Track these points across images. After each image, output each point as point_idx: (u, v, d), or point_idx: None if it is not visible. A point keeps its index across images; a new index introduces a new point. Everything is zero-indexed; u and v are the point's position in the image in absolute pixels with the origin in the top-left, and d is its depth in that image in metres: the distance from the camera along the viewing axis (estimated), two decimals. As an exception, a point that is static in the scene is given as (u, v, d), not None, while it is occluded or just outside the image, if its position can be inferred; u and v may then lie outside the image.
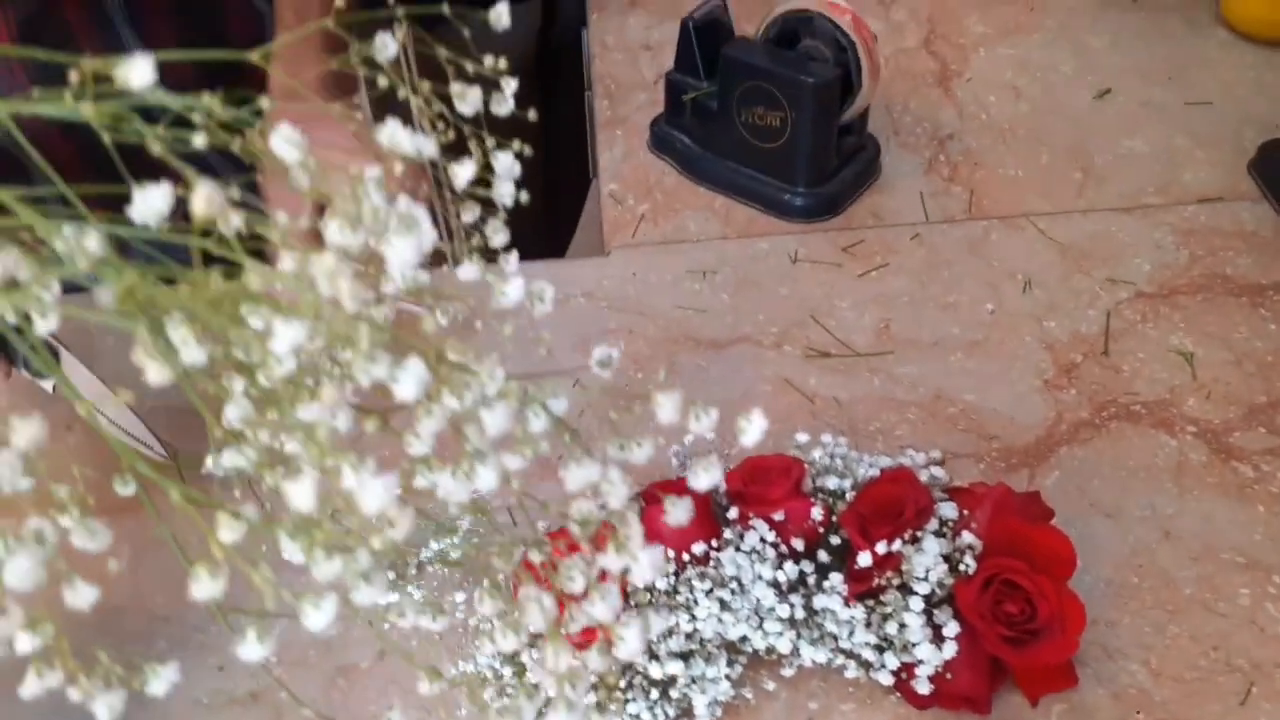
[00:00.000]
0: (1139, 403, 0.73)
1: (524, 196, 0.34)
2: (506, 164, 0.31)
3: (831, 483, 0.61)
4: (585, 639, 0.28)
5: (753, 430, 0.28)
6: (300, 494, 0.22)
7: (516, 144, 0.33)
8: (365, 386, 0.22)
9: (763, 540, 0.58)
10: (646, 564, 0.26)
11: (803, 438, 0.65)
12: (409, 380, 0.22)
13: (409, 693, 0.60)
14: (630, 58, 1.05)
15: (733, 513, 0.60)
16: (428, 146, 0.25)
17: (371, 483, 0.21)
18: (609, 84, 1.03)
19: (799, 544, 0.59)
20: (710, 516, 0.60)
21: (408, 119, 0.27)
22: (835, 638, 0.57)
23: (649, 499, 0.62)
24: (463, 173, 0.30)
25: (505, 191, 0.31)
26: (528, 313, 0.33)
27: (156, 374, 0.22)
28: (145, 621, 0.65)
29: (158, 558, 0.68)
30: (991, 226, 0.88)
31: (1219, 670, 0.59)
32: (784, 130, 0.86)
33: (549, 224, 1.23)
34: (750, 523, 0.59)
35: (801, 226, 0.89)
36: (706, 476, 0.28)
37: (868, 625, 0.57)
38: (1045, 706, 0.58)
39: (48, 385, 0.71)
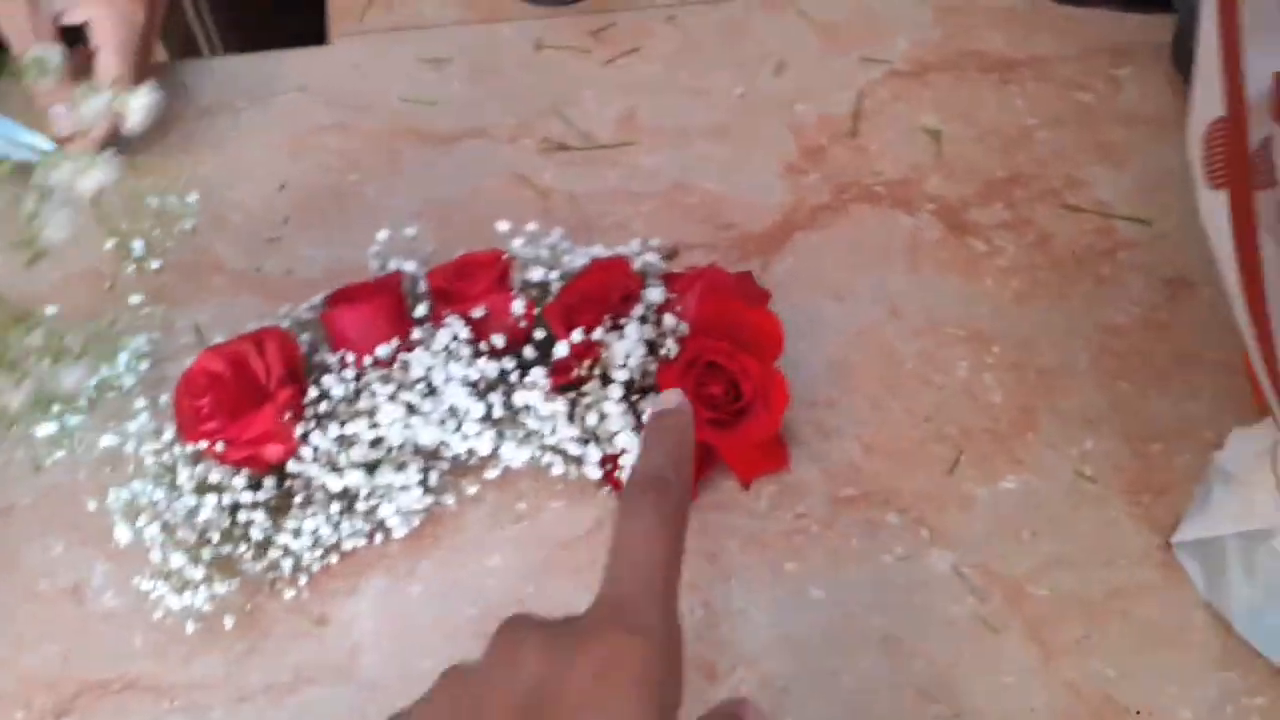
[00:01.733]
0: (881, 183, 0.70)
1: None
2: None
3: (538, 275, 0.56)
4: None
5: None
6: None
7: None
8: None
9: (456, 338, 0.54)
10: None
11: (503, 226, 0.59)
12: None
13: (73, 529, 0.54)
14: None
15: (420, 310, 0.55)
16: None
17: None
18: None
19: (499, 341, 0.55)
20: (401, 317, 0.55)
21: None
22: (539, 435, 0.54)
23: (336, 301, 0.57)
24: None
25: None
26: None
27: None
28: None
29: None
30: (752, 6, 0.82)
31: (930, 439, 0.58)
32: (517, -103, 0.76)
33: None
34: (444, 321, 0.54)
35: (548, 10, 0.81)
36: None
37: (570, 419, 0.53)
38: (758, 489, 0.56)
39: None
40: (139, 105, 0.54)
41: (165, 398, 0.55)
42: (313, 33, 0.81)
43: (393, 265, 0.59)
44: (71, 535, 0.54)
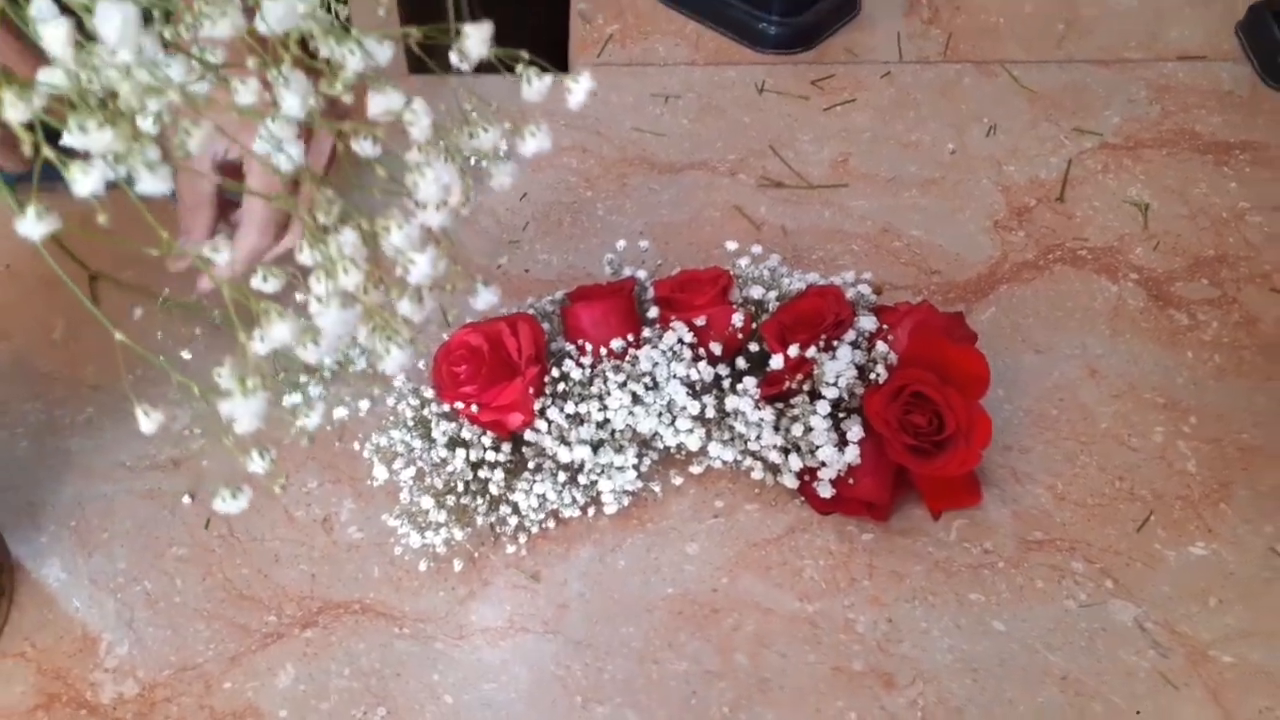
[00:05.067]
0: (1086, 248, 0.73)
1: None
2: None
3: (757, 293, 0.61)
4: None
5: (579, 90, 0.28)
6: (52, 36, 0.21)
7: None
8: None
9: (680, 341, 0.59)
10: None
11: (732, 245, 0.64)
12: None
13: (328, 467, 0.61)
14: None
15: (653, 312, 0.60)
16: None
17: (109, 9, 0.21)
18: (590, -98, 0.99)
19: (717, 349, 0.59)
20: (633, 317, 0.60)
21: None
22: (744, 439, 0.58)
23: (575, 298, 0.62)
24: None
25: None
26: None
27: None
28: (74, 389, 0.66)
29: (94, 332, 0.68)
30: (965, 70, 0.85)
31: (1122, 499, 0.60)
32: (760, -48, 0.83)
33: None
34: (670, 324, 0.59)
35: (773, 58, 0.86)
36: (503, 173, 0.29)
37: (775, 428, 0.57)
38: (946, 521, 0.59)
39: None
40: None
41: (422, 364, 0.62)
42: (556, 63, 0.89)
43: (626, 272, 0.64)
44: (326, 473, 0.61)
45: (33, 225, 0.24)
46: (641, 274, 0.64)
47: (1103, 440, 0.62)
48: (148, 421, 0.29)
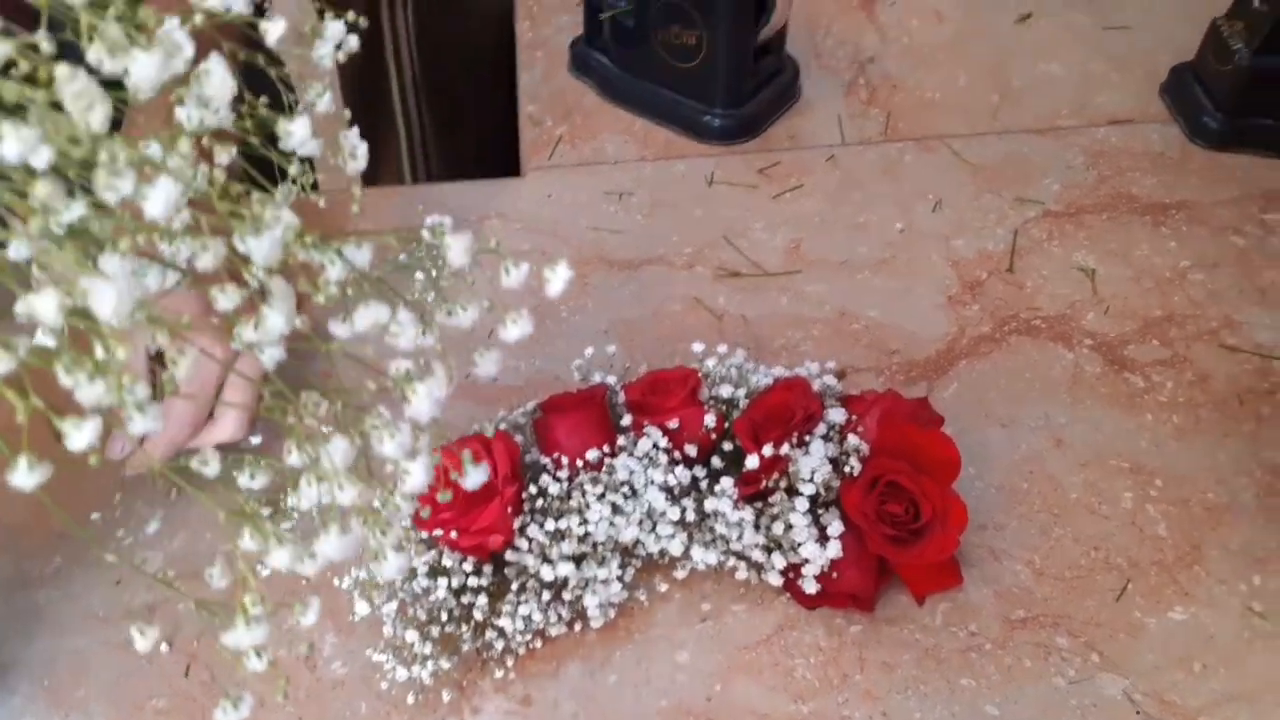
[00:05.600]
0: (1040, 317, 0.74)
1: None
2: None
3: (726, 391, 0.62)
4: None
5: (556, 280, 0.28)
6: (44, 307, 0.22)
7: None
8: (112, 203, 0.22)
9: (655, 446, 0.59)
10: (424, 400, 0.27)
11: (698, 347, 0.65)
12: (157, 198, 0.21)
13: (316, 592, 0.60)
14: (552, -21, 1.03)
15: (626, 420, 0.61)
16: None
17: (103, 288, 0.21)
18: (531, 4, 1.02)
19: (692, 450, 0.60)
20: (606, 426, 0.61)
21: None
22: (726, 540, 0.58)
23: (548, 409, 0.63)
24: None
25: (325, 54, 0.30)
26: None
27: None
28: (44, 539, 0.64)
29: (61, 479, 0.67)
30: (906, 148, 0.88)
31: (1098, 569, 0.61)
32: (700, 48, 0.85)
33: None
34: (644, 430, 0.60)
35: (719, 149, 0.88)
36: (488, 361, 0.29)
37: (756, 527, 0.58)
38: (931, 605, 0.59)
39: None
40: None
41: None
42: (509, 166, 0.90)
43: (596, 378, 0.65)
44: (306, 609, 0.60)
45: (25, 476, 0.24)
46: (611, 379, 0.65)
47: (1074, 510, 0.63)
48: (143, 641, 0.29)
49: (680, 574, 0.60)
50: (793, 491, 0.57)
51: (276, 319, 0.25)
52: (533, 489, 0.57)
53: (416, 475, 0.28)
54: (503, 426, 0.61)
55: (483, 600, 0.55)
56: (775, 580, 0.58)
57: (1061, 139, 0.88)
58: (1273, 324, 0.72)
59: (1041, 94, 0.92)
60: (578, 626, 0.58)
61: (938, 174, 0.86)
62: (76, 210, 0.21)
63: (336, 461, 0.27)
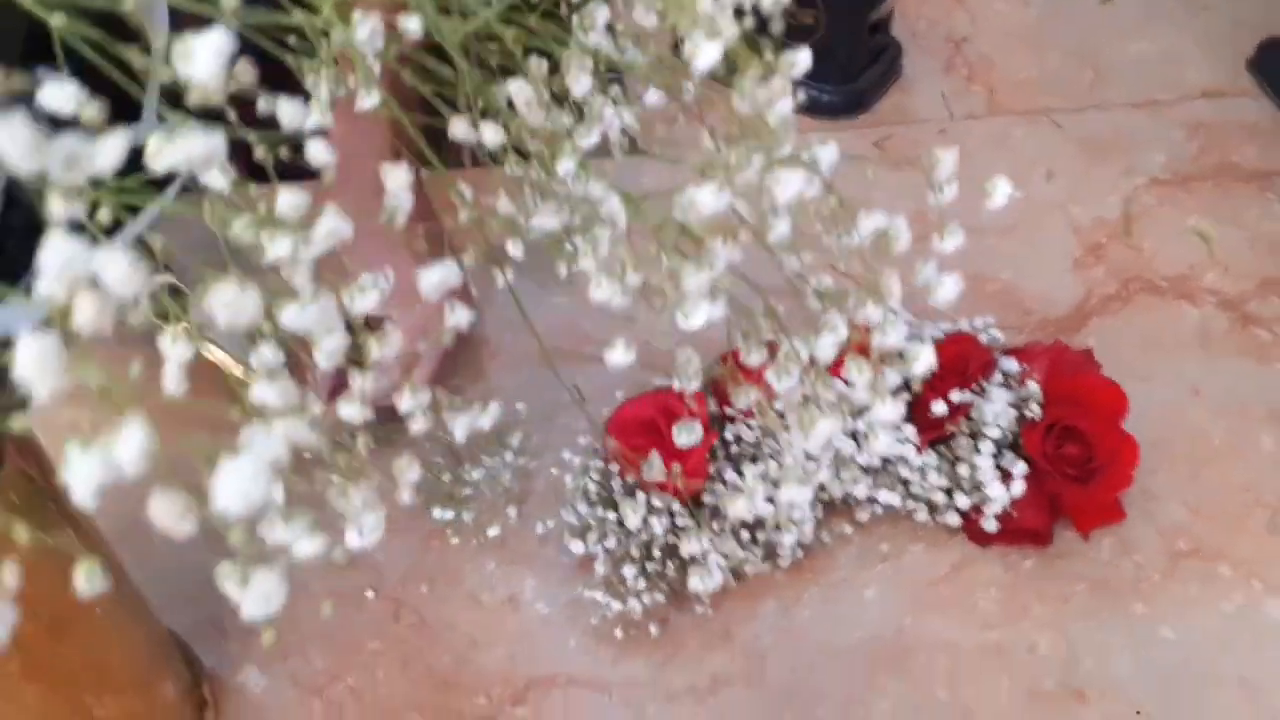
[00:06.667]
0: (1162, 278, 0.78)
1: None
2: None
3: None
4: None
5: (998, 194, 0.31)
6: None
7: None
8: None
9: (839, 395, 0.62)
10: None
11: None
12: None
13: (501, 547, 0.63)
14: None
15: (809, 370, 0.63)
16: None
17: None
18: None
19: (870, 399, 0.63)
20: (785, 376, 0.64)
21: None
22: (907, 484, 0.61)
23: (725, 362, 0.65)
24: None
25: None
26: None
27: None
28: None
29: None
30: (1012, 122, 0.91)
31: (1250, 506, 0.64)
32: (816, 28, 0.88)
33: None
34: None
35: (831, 124, 0.91)
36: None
37: (939, 470, 0.61)
38: (1096, 540, 0.63)
39: None
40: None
41: (580, 435, 0.64)
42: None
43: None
44: (501, 554, 0.63)
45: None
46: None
47: (1219, 455, 0.67)
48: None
49: (863, 516, 0.63)
50: (975, 435, 0.61)
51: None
52: (729, 435, 0.60)
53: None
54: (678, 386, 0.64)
55: (688, 538, 0.58)
56: (953, 521, 0.61)
57: (1158, 113, 0.92)
58: (1385, 281, 0.76)
59: (1132, 70, 0.96)
60: (768, 566, 0.61)
61: (1046, 146, 0.89)
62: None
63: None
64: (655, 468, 0.41)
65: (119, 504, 0.69)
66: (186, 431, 0.22)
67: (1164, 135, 0.89)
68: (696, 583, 0.57)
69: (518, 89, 0.30)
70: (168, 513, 0.20)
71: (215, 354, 0.65)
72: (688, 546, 0.57)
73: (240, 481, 0.20)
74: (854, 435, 0.61)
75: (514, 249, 0.32)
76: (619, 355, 0.32)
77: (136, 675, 0.52)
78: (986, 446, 0.60)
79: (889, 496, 0.61)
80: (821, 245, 0.33)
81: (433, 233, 0.68)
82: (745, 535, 0.59)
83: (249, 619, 0.23)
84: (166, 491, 0.20)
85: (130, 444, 0.19)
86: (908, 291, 0.35)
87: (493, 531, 0.62)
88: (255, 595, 0.22)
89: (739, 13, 0.26)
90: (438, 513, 0.63)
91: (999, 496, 0.59)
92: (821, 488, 0.61)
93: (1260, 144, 0.88)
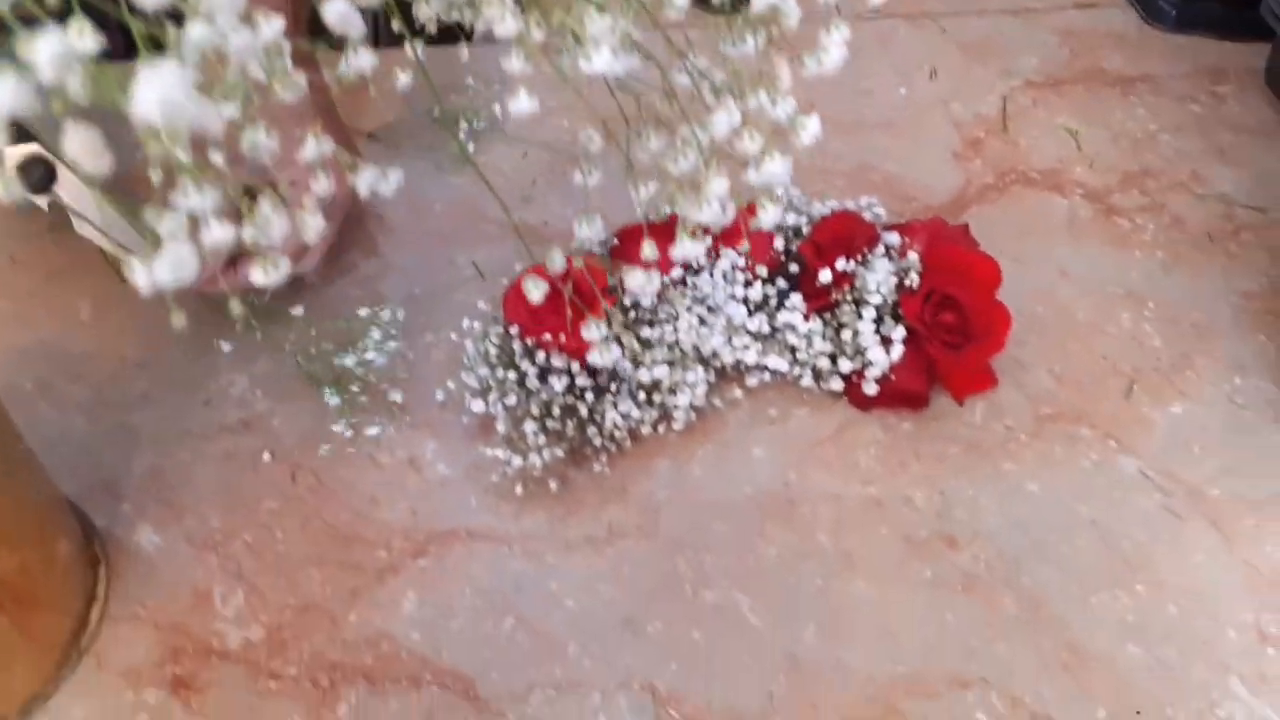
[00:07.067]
0: (1035, 171, 0.82)
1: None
2: None
3: (790, 219, 0.67)
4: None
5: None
6: None
7: None
8: None
9: (732, 266, 0.64)
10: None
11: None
12: None
13: (402, 411, 0.64)
14: None
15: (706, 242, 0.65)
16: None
17: None
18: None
19: (763, 271, 0.65)
20: (681, 247, 0.65)
21: None
22: (794, 350, 0.64)
23: (623, 237, 0.67)
24: None
25: None
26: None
27: None
28: (119, 366, 0.65)
29: (121, 311, 0.68)
30: (897, 24, 0.94)
31: (1108, 374, 0.69)
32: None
33: None
34: (720, 252, 0.65)
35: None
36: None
37: (824, 336, 0.64)
38: (970, 405, 0.67)
39: (42, 202, 0.66)
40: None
41: (477, 301, 0.65)
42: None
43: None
44: (401, 420, 0.63)
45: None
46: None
47: (1083, 329, 0.72)
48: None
49: (752, 382, 0.65)
50: (859, 303, 0.63)
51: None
52: (627, 301, 0.62)
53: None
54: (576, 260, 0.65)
55: (589, 398, 0.59)
56: (836, 386, 0.64)
57: (1034, 20, 0.96)
58: (1232, 177, 0.82)
59: (1013, -20, 1.00)
60: (661, 429, 0.63)
61: (928, 48, 0.92)
62: None
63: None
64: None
65: (10, 374, 0.67)
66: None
67: (1039, 40, 0.94)
68: (591, 441, 0.59)
69: None
70: (83, 149, 0.20)
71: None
72: (583, 408, 0.59)
73: (160, 88, 0.20)
74: (745, 302, 0.64)
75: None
76: (523, 103, 0.33)
77: (29, 532, 0.51)
78: (869, 313, 0.63)
79: (777, 362, 0.64)
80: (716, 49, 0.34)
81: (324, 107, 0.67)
82: (641, 397, 0.61)
83: (155, 285, 0.23)
84: (82, 127, 0.20)
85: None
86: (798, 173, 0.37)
87: (372, 431, 0.63)
88: (166, 261, 0.22)
89: None
90: (328, 395, 0.63)
91: (879, 361, 0.63)
92: (714, 355, 0.63)
93: (1126, 52, 0.93)
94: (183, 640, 0.54)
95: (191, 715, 0.51)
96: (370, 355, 0.65)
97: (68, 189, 0.64)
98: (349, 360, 0.64)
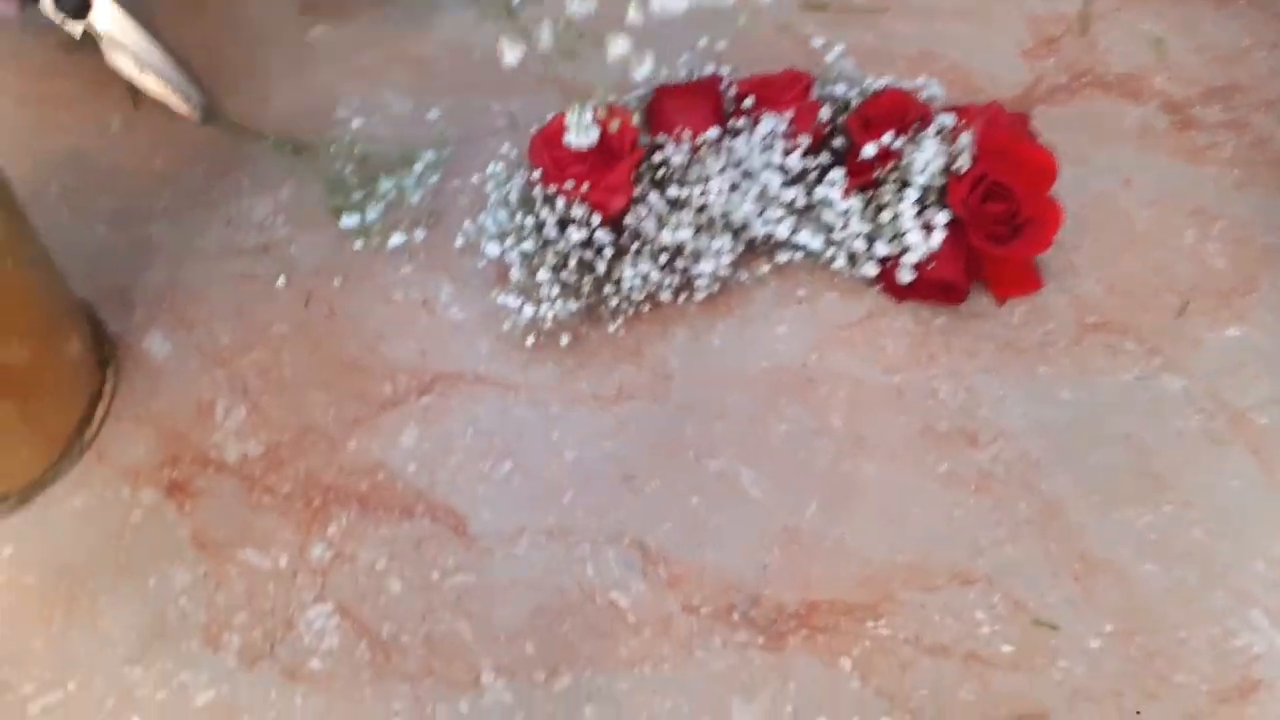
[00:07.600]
0: (1111, 75, 0.77)
1: None
2: None
3: (840, 90, 0.64)
4: None
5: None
6: None
7: None
8: None
9: (773, 132, 0.61)
10: None
11: (818, 41, 0.67)
12: None
13: (416, 252, 0.62)
14: None
15: (748, 103, 0.62)
16: None
17: None
18: None
19: (805, 140, 0.62)
20: (720, 112, 0.62)
21: None
22: (830, 228, 0.61)
23: (661, 94, 0.64)
24: None
25: None
26: None
27: None
28: (147, 180, 0.64)
29: (151, 125, 0.67)
30: (986, -86, 0.88)
31: (1163, 289, 0.65)
32: None
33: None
34: (760, 117, 0.62)
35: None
36: None
37: (862, 216, 0.61)
38: (1010, 307, 0.64)
39: (76, 29, 0.65)
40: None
41: (506, 148, 0.63)
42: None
43: (708, 70, 0.66)
44: (417, 260, 0.62)
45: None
46: (724, 70, 0.66)
47: (1142, 241, 0.68)
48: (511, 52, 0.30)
49: (782, 259, 0.63)
50: (903, 184, 0.60)
51: None
52: (656, 157, 0.59)
53: None
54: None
55: (607, 253, 0.57)
56: (871, 270, 0.62)
57: (1135, -79, 0.89)
58: (1327, 100, 0.77)
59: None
60: (682, 297, 0.61)
61: (1016, -60, 0.86)
62: None
63: None
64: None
65: (33, 174, 0.67)
66: None
67: (1136, -57, 0.87)
68: (608, 300, 0.57)
69: None
70: None
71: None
72: (602, 263, 0.57)
73: None
74: (782, 170, 0.61)
75: None
76: (509, 54, 0.32)
77: (40, 327, 0.51)
78: (911, 194, 0.60)
79: (810, 239, 0.61)
80: None
81: None
82: (663, 259, 0.59)
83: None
84: None
85: None
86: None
87: (395, 240, 0.61)
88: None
89: None
90: (345, 220, 0.62)
91: (918, 246, 0.60)
92: (745, 226, 0.61)
93: (1230, -39, 0.86)
94: (182, 447, 0.54)
95: (184, 518, 0.51)
96: (409, 184, 0.63)
97: (105, 18, 0.63)
98: (387, 184, 0.62)
